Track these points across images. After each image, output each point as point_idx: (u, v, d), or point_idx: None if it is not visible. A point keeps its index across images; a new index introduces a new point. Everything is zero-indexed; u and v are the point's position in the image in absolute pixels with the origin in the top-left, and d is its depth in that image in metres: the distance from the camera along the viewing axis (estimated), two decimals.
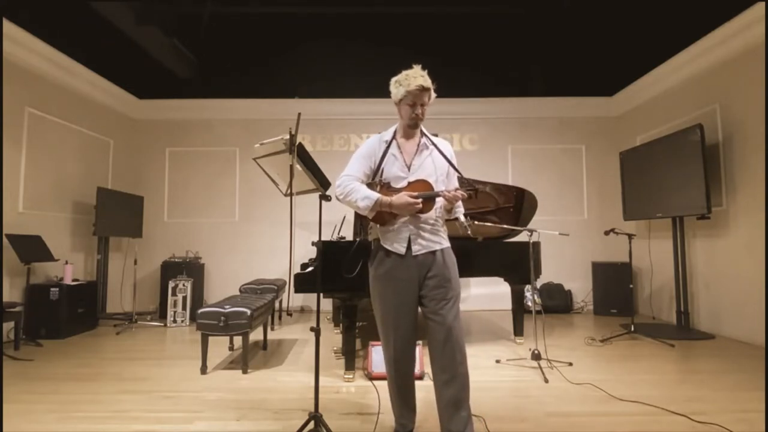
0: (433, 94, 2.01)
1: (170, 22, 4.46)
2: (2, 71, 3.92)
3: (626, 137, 5.88)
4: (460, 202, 2.00)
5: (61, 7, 3.99)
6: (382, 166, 2.02)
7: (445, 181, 2.03)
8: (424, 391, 2.64)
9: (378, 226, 2.02)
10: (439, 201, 1.98)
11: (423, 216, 1.97)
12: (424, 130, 2.10)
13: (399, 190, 1.96)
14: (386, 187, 2.00)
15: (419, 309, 2.03)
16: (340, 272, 2.29)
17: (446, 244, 2.05)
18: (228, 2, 4.24)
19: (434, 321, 1.95)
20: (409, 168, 2.01)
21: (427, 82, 1.96)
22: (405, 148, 2.06)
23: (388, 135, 2.09)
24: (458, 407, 1.89)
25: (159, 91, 5.89)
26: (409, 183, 1.98)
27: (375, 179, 2.03)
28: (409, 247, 1.97)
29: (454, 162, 2.07)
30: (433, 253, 1.99)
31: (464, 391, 1.92)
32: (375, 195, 1.93)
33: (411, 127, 2.04)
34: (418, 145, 2.05)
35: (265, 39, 4.77)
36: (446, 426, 1.90)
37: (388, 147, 2.04)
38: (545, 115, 6.23)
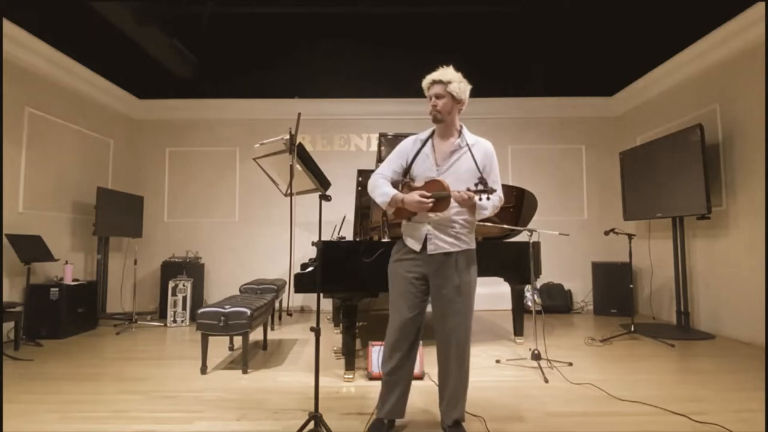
0: (458, 87, 1.97)
1: (170, 22, 4.45)
2: (2, 71, 3.92)
3: (626, 137, 5.88)
4: (485, 205, 1.91)
5: (61, 7, 3.99)
6: (414, 164, 2.05)
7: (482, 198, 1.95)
8: (424, 390, 2.65)
9: (404, 221, 2.07)
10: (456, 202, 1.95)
11: (443, 215, 1.97)
12: (465, 132, 2.07)
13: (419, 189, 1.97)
14: (408, 186, 2.03)
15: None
16: (344, 269, 2.36)
17: (466, 246, 2.02)
18: (228, 2, 4.23)
19: (437, 324, 2.04)
20: (438, 168, 2.02)
21: (441, 75, 1.98)
22: (439, 148, 2.06)
23: (425, 134, 2.12)
24: (451, 407, 2.05)
25: (159, 91, 5.89)
26: (425, 182, 1.99)
27: (406, 177, 2.06)
28: (424, 245, 1.99)
29: (489, 164, 2.02)
30: (449, 254, 1.99)
31: (456, 397, 2.04)
32: (392, 192, 1.99)
33: (434, 122, 2.06)
34: (453, 146, 2.04)
35: (265, 39, 4.76)
36: (443, 416, 2.10)
37: (422, 146, 2.07)
38: (545, 115, 6.23)
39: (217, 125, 6.19)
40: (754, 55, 3.92)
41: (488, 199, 1.82)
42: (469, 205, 1.92)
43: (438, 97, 1.98)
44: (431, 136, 2.11)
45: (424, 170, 2.03)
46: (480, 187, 1.79)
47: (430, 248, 1.98)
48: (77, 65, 4.92)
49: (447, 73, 2.00)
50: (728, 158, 4.24)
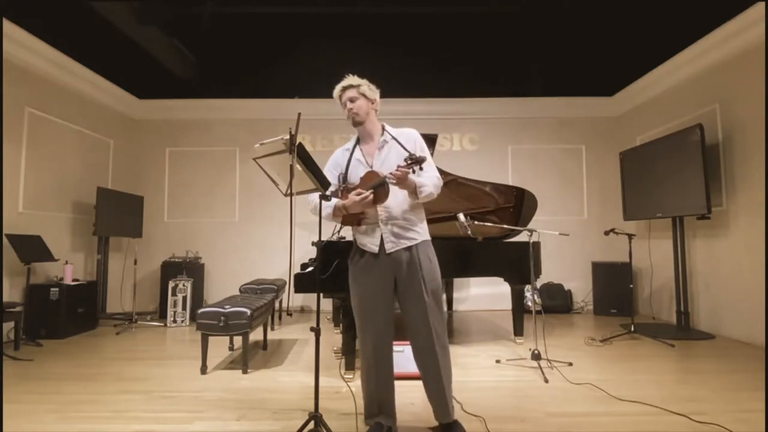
0: (368, 89, 2.05)
1: (170, 22, 4.45)
2: (2, 71, 3.92)
3: (626, 137, 5.88)
4: (423, 182, 1.95)
5: (61, 7, 3.99)
6: (348, 173, 2.08)
7: (416, 170, 1.96)
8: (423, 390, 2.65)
9: (355, 226, 2.07)
10: (399, 190, 1.96)
11: (391, 211, 1.98)
12: (387, 128, 2.12)
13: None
14: (346, 191, 2.04)
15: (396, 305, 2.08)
16: (344, 269, 2.34)
17: (421, 238, 2.05)
18: (228, 2, 4.23)
19: (409, 317, 2.03)
20: (372, 168, 2.04)
21: (350, 81, 2.06)
22: (367, 151, 2.11)
23: (349, 144, 2.17)
24: (438, 399, 2.04)
25: (159, 91, 5.89)
26: (360, 179, 2.01)
27: (344, 184, 2.08)
28: (382, 246, 1.99)
29: (416, 147, 2.04)
30: (408, 249, 2.01)
31: (441, 384, 2.02)
32: (333, 202, 2.01)
33: (354, 126, 2.10)
34: (379, 144, 2.08)
35: (265, 39, 4.76)
36: (434, 416, 2.11)
37: (351, 154, 2.11)
38: (545, 115, 6.23)
39: (217, 125, 6.19)
40: (754, 55, 3.91)
41: (421, 169, 1.86)
42: (408, 185, 1.91)
43: (352, 100, 2.05)
44: (357, 143, 2.14)
45: (359, 174, 2.05)
46: (409, 161, 1.82)
47: (388, 247, 1.99)
48: (77, 65, 4.92)
49: (355, 78, 2.08)
50: (728, 158, 4.24)
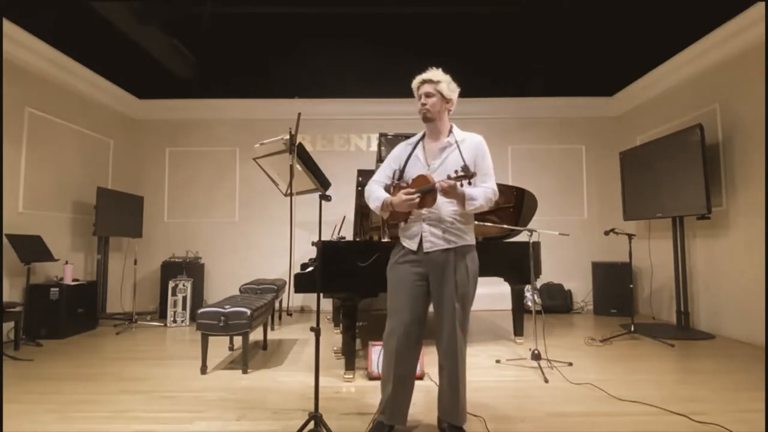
0: (447, 87, 2.00)
1: (170, 22, 4.45)
2: (2, 71, 3.92)
3: (626, 137, 5.88)
4: (474, 195, 1.91)
5: (61, 7, 3.99)
6: (406, 167, 2.07)
7: (464, 183, 1.92)
8: (424, 390, 2.65)
9: (402, 223, 2.07)
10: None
11: (437, 212, 1.97)
12: (455, 130, 2.08)
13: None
14: (398, 187, 2.03)
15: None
16: (344, 269, 2.36)
17: (463, 242, 2.01)
18: (228, 2, 4.23)
19: (437, 319, 2.04)
20: (429, 168, 2.03)
21: (431, 75, 2.01)
22: (429, 149, 2.08)
23: (415, 138, 2.15)
24: (452, 402, 2.04)
25: (159, 91, 5.89)
26: (412, 180, 1.99)
27: (398, 181, 2.07)
28: (420, 244, 1.99)
29: (480, 157, 2.01)
30: (446, 251, 1.98)
31: (456, 389, 2.02)
32: (384, 196, 2.01)
33: (424, 121, 2.07)
34: (443, 144, 2.05)
35: (265, 39, 4.76)
36: (443, 416, 2.10)
37: (413, 149, 2.10)
38: (545, 115, 6.23)
39: (217, 125, 6.19)
40: (754, 55, 3.91)
41: (470, 184, 1.84)
42: (456, 195, 1.88)
43: (428, 96, 2.01)
44: (422, 138, 2.13)
45: (416, 172, 2.03)
46: (460, 173, 1.78)
47: (426, 246, 1.98)
48: (77, 65, 4.92)
49: (437, 73, 2.02)
50: (728, 158, 4.24)
